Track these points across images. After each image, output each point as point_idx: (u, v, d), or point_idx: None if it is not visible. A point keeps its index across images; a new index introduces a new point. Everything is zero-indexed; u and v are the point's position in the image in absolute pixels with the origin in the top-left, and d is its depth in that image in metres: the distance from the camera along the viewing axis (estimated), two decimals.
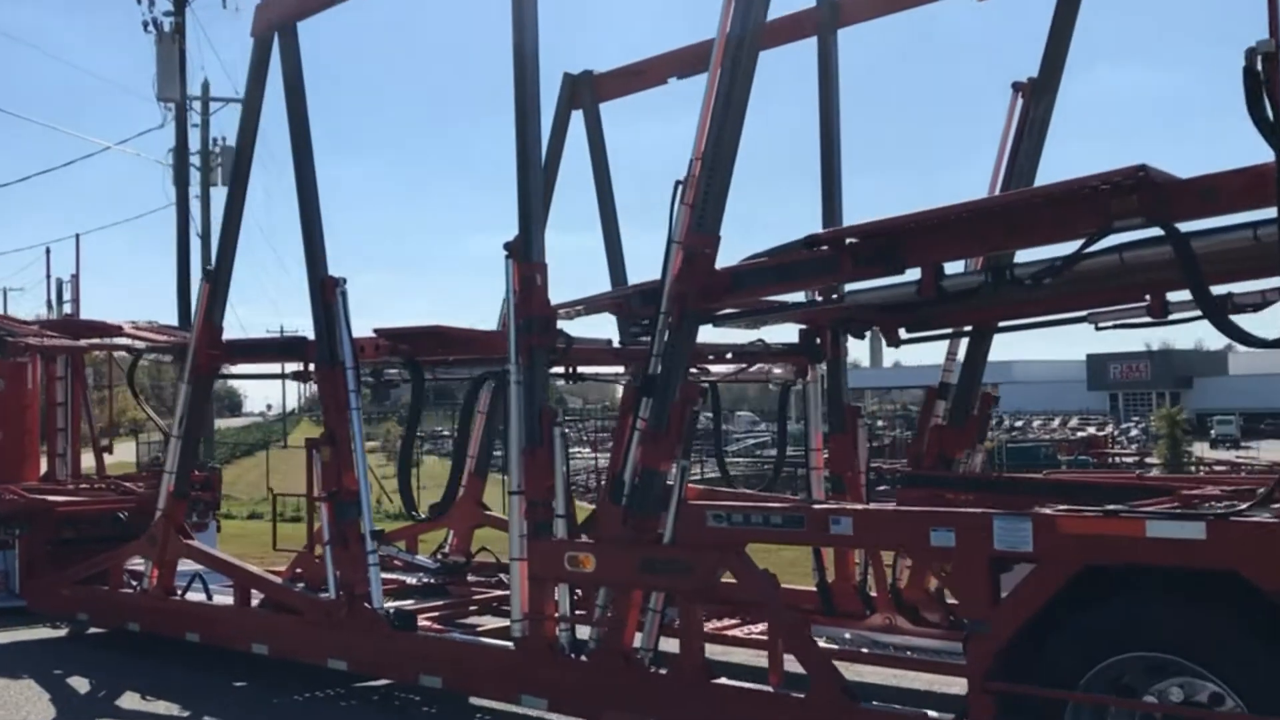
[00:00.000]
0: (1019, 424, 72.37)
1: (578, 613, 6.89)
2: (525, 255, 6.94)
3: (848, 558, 8.39)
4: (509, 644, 7.06)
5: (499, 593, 10.00)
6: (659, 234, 6.29)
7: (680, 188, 6.28)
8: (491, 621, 9.41)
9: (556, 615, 6.79)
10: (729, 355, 9.24)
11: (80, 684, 8.98)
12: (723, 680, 6.02)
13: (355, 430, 8.12)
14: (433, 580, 10.25)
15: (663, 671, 6.24)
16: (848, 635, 8.18)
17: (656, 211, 6.33)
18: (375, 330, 8.17)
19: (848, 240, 5.54)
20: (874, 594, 8.25)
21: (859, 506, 5.78)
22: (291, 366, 9.23)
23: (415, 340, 7.96)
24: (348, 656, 8.07)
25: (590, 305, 7.38)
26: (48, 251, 21.66)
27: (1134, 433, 67.78)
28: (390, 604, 8.11)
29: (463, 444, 8.26)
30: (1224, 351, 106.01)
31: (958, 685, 8.06)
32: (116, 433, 16.12)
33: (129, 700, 8.41)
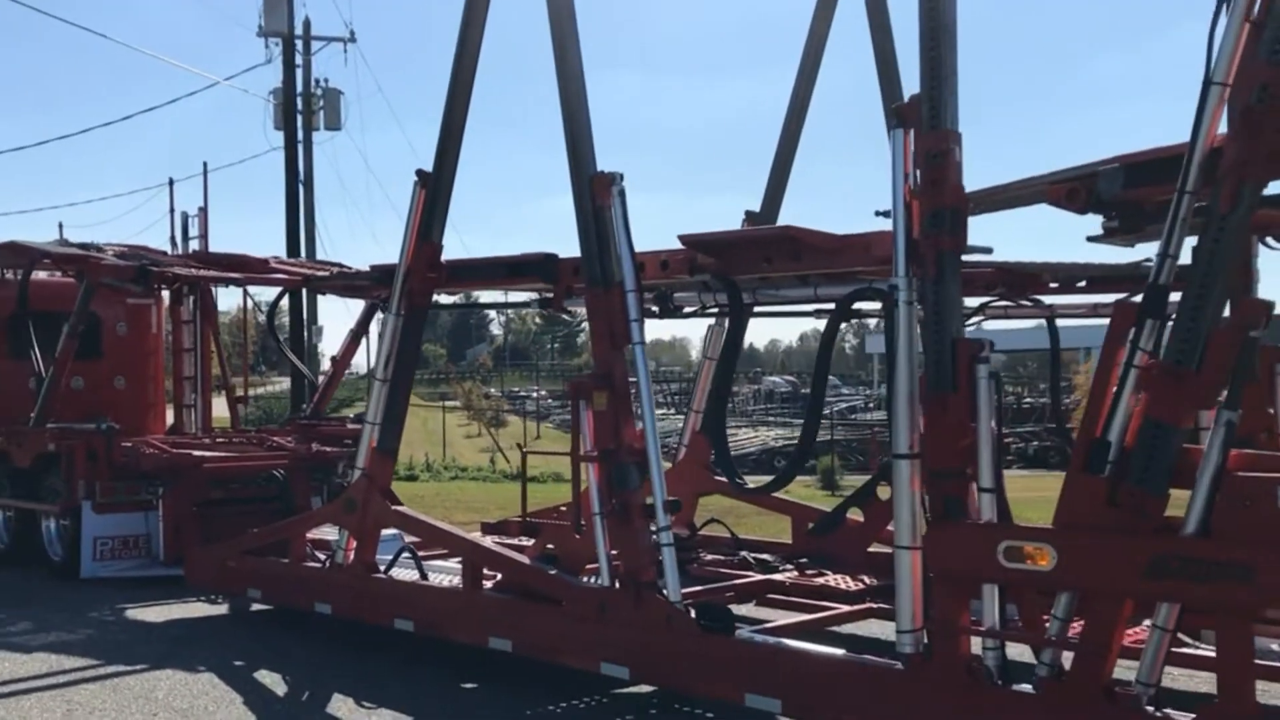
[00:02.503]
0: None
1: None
2: (932, 121, 4.97)
3: None
4: (894, 663, 5.17)
5: (760, 577, 8.13)
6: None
7: (1228, 3, 4.25)
8: (772, 616, 7.57)
9: (981, 628, 4.88)
10: (1082, 283, 7.22)
11: (273, 681, 7.25)
12: None
13: (640, 370, 6.24)
14: None
15: (1189, 718, 4.29)
16: (1275, 647, 6.21)
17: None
18: (681, 238, 6.20)
19: None
20: None
21: None
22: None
23: (734, 252, 5.99)
24: (631, 661, 6.23)
25: (1014, 194, 5.34)
26: (171, 183, 20.07)
27: None
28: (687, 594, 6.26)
29: (819, 395, 6.14)
30: None
31: None
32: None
33: (342, 708, 6.67)
